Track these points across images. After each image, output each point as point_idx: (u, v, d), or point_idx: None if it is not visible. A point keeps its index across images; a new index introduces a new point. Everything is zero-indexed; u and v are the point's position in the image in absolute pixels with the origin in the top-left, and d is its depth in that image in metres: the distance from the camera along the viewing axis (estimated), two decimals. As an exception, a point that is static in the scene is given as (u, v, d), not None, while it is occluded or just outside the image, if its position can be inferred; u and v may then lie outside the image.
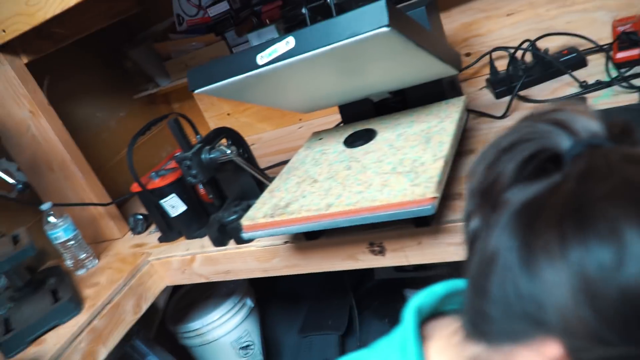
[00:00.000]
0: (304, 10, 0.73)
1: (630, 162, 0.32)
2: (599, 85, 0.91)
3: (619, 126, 0.35)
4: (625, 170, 0.31)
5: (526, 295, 0.32)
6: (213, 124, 1.60)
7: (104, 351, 0.94)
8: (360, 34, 0.60)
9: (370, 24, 0.58)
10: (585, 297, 0.30)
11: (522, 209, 0.33)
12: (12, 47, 1.07)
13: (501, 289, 0.33)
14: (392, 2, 0.60)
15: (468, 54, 1.16)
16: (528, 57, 1.06)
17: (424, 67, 0.79)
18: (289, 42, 0.65)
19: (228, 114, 1.56)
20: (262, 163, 1.26)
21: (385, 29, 0.58)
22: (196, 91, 0.73)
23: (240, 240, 0.95)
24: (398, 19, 0.60)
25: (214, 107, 1.57)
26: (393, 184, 0.71)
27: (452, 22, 1.14)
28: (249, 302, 1.41)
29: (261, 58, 0.67)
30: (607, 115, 0.36)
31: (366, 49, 0.66)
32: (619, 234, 0.29)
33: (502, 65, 1.09)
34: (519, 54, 1.05)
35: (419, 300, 0.46)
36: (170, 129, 0.91)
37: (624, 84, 0.89)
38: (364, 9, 0.59)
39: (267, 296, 1.59)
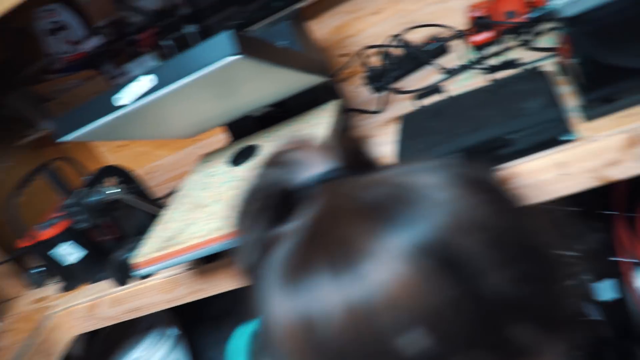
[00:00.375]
0: (163, 45, 0.73)
1: (353, 194, 0.32)
2: (459, 71, 0.98)
3: (349, 154, 0.36)
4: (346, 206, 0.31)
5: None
6: (109, 156, 1.55)
7: None
8: (213, 64, 0.61)
9: (220, 53, 0.60)
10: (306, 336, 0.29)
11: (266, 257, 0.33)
12: None
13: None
14: (255, 21, 0.61)
15: (344, 55, 1.20)
16: (399, 51, 1.12)
17: (290, 82, 0.82)
18: (148, 79, 0.65)
19: (123, 146, 1.52)
20: (165, 189, 1.24)
21: (235, 57, 0.60)
22: (61, 139, 0.71)
23: (143, 276, 0.94)
24: (248, 45, 0.62)
25: (105, 142, 1.52)
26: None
27: (324, 27, 1.18)
28: (173, 332, 1.39)
29: (117, 100, 0.66)
30: (338, 142, 0.38)
31: (227, 75, 0.67)
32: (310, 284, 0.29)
33: (377, 61, 1.14)
34: (389, 49, 1.10)
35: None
36: (49, 178, 0.89)
37: (480, 65, 0.95)
38: (213, 40, 0.60)
39: (196, 320, 1.57)
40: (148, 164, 1.50)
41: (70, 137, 0.72)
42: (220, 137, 1.36)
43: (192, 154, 1.44)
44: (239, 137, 1.02)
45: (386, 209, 0.30)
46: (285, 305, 0.30)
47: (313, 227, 0.31)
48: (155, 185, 1.36)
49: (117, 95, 0.68)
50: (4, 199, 1.37)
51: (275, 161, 0.38)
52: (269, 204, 0.35)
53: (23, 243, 1.01)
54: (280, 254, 0.32)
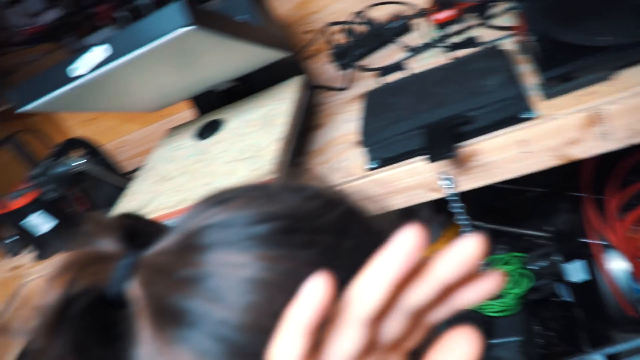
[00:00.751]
0: (119, 13, 0.74)
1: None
2: (421, 49, 1.01)
3: (134, 233, 0.35)
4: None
5: None
6: (77, 129, 1.54)
7: None
8: (166, 35, 0.62)
9: (172, 24, 0.61)
10: None
11: None
12: None
13: None
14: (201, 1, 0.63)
15: (307, 32, 1.21)
16: (363, 29, 1.14)
17: (251, 56, 0.83)
18: (103, 49, 0.66)
19: (91, 119, 1.51)
20: (132, 164, 1.25)
21: (187, 28, 0.61)
22: (20, 110, 0.72)
23: (73, 247, 0.96)
24: (200, 16, 0.63)
25: (73, 115, 1.51)
26: (238, 172, 0.75)
27: (286, 3, 1.18)
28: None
29: (72, 71, 0.67)
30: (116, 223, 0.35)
31: (182, 47, 0.68)
32: None
33: (342, 39, 1.15)
34: (354, 26, 1.12)
35: None
36: (15, 149, 0.89)
37: (442, 43, 0.98)
38: (164, 11, 0.61)
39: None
40: (116, 139, 1.49)
41: (29, 106, 0.72)
42: (188, 113, 1.37)
43: (160, 129, 1.44)
44: (204, 111, 1.03)
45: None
46: None
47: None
48: (124, 159, 1.37)
49: (72, 66, 0.68)
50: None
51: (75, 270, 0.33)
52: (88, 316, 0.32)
53: (-4, 212, 1.02)
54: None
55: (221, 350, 0.28)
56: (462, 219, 0.77)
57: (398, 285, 0.24)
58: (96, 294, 0.32)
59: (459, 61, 0.87)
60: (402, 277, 0.24)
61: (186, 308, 0.30)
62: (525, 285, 1.10)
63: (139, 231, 0.35)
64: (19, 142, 0.88)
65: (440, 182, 0.74)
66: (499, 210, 1.28)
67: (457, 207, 0.76)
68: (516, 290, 1.13)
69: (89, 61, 0.66)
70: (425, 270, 0.25)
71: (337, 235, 0.28)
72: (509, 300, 1.12)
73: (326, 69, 1.15)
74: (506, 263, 1.18)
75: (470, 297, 0.26)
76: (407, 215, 0.78)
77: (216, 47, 0.72)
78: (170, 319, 0.30)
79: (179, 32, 0.61)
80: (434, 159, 0.69)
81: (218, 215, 0.32)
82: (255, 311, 0.28)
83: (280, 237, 0.30)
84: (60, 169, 0.89)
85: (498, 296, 1.17)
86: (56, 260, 0.34)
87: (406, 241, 0.24)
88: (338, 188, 0.36)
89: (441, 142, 0.70)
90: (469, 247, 0.24)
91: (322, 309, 0.24)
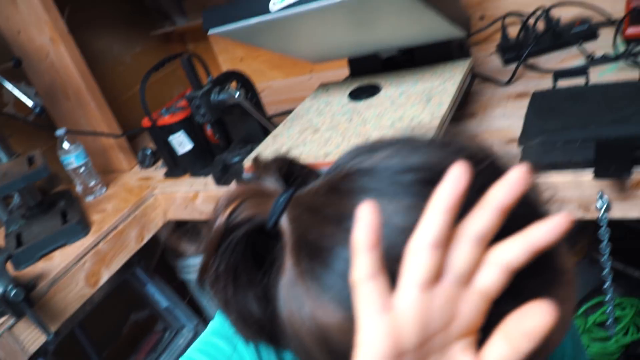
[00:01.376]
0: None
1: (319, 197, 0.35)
2: (605, 60, 0.93)
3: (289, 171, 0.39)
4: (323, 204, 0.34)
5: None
6: (226, 67, 1.62)
7: (107, 273, 1.01)
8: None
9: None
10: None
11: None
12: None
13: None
14: None
15: (482, 17, 1.16)
16: (541, 25, 1.07)
17: (431, 27, 0.81)
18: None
19: (241, 59, 1.58)
20: (270, 110, 1.29)
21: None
22: (210, 32, 0.75)
23: (241, 182, 1.00)
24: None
25: (227, 51, 1.59)
26: (389, 139, 0.74)
27: (470, -17, 1.14)
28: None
29: (274, 4, 0.69)
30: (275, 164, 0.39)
31: (374, 3, 0.68)
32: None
33: (515, 31, 1.10)
34: (531, 21, 1.06)
35: None
36: (183, 67, 0.94)
37: (629, 60, 0.90)
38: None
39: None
40: (259, 83, 1.55)
41: (219, 30, 0.76)
42: (332, 73, 1.39)
43: (304, 83, 1.47)
44: (359, 74, 1.03)
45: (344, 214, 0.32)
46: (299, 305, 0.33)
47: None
48: (264, 104, 1.42)
49: (272, 0, 0.70)
50: (128, 82, 1.49)
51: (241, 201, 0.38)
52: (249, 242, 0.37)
53: (144, 123, 1.10)
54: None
55: (348, 293, 0.29)
56: (604, 247, 0.72)
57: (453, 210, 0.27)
58: (256, 224, 0.36)
59: (651, 82, 0.79)
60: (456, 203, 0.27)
61: (325, 246, 0.32)
62: (633, 335, 1.00)
63: (295, 172, 0.39)
64: (190, 61, 0.93)
65: (598, 203, 0.69)
66: (627, 251, 1.18)
67: (603, 233, 0.71)
68: (621, 338, 1.04)
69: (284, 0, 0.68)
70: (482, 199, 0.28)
71: (474, 192, 0.28)
72: (610, 346, 1.04)
73: (491, 59, 1.10)
74: (621, 307, 1.09)
75: (539, 235, 0.26)
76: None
77: (407, 9, 0.71)
78: (309, 253, 0.33)
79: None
80: (601, 174, 0.64)
81: (365, 162, 0.34)
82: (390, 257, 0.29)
83: (421, 187, 0.32)
84: (221, 97, 0.93)
85: (603, 338, 1.09)
86: (227, 190, 0.38)
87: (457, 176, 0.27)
88: (484, 145, 0.36)
89: (617, 161, 0.65)
90: (517, 172, 0.27)
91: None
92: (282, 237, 0.35)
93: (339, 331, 0.31)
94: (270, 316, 0.36)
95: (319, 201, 0.35)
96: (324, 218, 0.33)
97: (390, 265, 0.28)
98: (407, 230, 0.28)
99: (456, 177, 0.27)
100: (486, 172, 0.32)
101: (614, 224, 0.71)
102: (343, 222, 0.32)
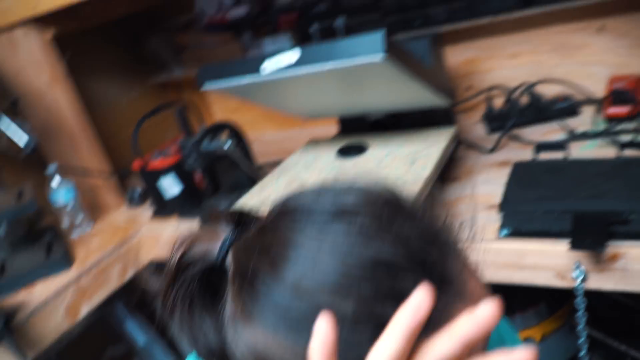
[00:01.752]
0: (311, 29, 0.79)
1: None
2: (585, 136, 0.97)
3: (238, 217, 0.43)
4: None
5: None
6: (220, 116, 1.66)
7: (87, 307, 1.02)
8: (356, 58, 0.65)
9: (367, 50, 0.64)
10: None
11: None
12: (42, 21, 1.14)
13: None
14: (392, 33, 0.66)
15: (468, 88, 1.21)
16: (525, 99, 1.12)
17: (416, 96, 0.85)
18: (294, 54, 0.71)
19: (235, 109, 1.62)
20: (261, 159, 1.31)
21: (379, 57, 0.64)
22: (203, 87, 0.78)
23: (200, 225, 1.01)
24: (393, 50, 0.66)
25: (222, 101, 1.63)
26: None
27: (456, 56, 1.20)
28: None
29: (264, 68, 0.72)
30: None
31: (362, 72, 0.72)
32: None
33: (499, 103, 1.14)
34: (516, 95, 1.11)
35: None
36: (177, 116, 0.97)
37: (609, 138, 0.94)
38: (364, 37, 0.65)
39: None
40: (252, 133, 1.58)
41: (212, 86, 0.79)
42: (323, 129, 1.42)
43: (296, 136, 1.50)
44: (348, 132, 1.06)
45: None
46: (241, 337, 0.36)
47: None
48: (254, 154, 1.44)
49: (265, 62, 0.74)
50: (122, 125, 1.51)
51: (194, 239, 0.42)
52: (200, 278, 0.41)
53: (135, 165, 1.12)
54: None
55: (279, 319, 0.33)
56: (580, 316, 0.73)
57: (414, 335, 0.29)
58: (208, 263, 0.41)
59: (628, 160, 0.83)
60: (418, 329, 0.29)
61: (255, 277, 0.36)
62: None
63: (245, 220, 0.43)
64: (183, 109, 0.96)
65: (574, 273, 0.70)
66: (607, 321, 1.19)
67: (580, 302, 0.72)
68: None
69: (279, 61, 0.71)
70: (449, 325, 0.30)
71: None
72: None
73: (475, 128, 1.14)
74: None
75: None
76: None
77: (393, 80, 0.74)
78: (243, 286, 0.37)
79: (372, 58, 0.64)
80: (577, 246, 0.66)
81: (289, 203, 0.39)
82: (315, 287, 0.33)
83: (353, 232, 0.35)
84: (212, 146, 0.95)
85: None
86: (183, 232, 0.43)
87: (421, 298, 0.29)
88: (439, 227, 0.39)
89: (593, 234, 0.67)
90: (488, 307, 0.28)
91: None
92: (227, 274, 0.40)
93: (277, 357, 0.34)
94: (223, 344, 0.40)
95: (252, 240, 0.39)
96: (254, 254, 0.37)
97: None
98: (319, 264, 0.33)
99: (419, 300, 0.29)
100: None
101: (598, 294, 0.72)
102: (268, 253, 0.36)
